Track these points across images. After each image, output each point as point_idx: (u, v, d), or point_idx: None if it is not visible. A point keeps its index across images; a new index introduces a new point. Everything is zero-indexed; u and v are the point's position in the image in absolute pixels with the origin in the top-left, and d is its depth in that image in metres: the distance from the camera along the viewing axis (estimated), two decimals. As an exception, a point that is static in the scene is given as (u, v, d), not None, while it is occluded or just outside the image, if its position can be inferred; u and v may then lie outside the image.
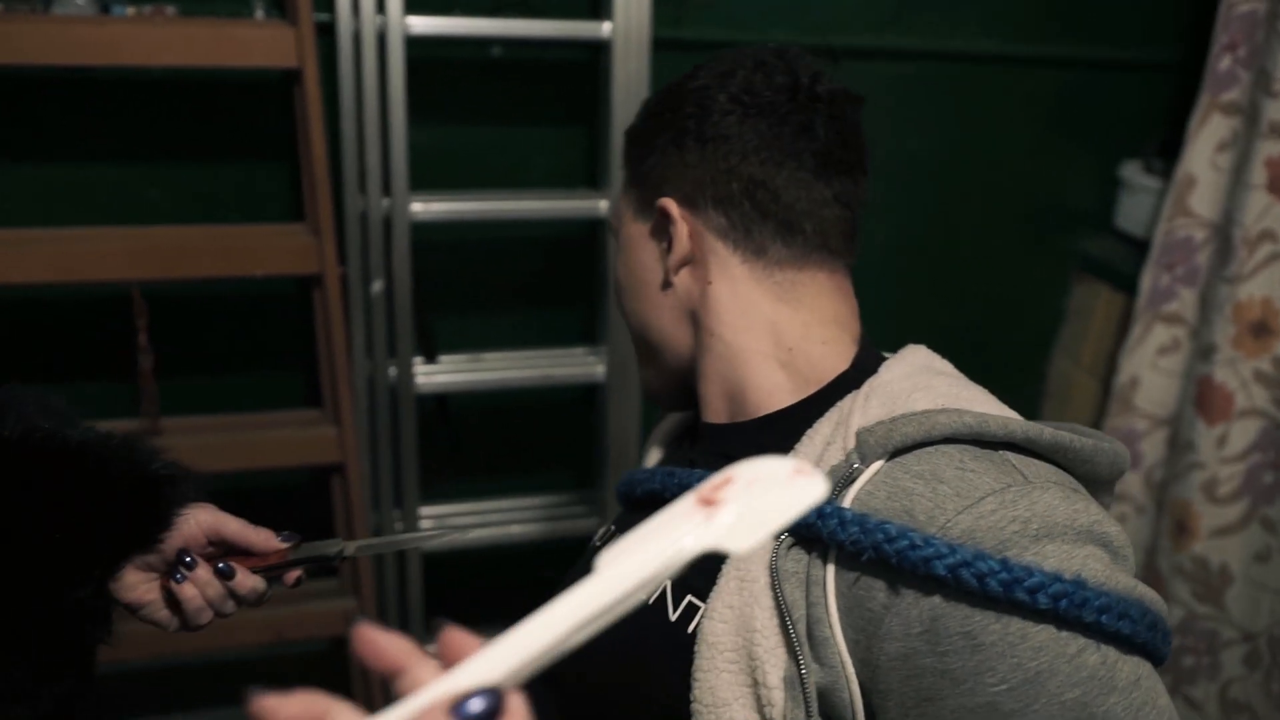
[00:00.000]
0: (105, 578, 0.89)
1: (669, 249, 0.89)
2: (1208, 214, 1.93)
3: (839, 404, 0.80)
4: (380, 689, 2.02)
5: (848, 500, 0.70)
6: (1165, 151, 2.20)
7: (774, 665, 0.68)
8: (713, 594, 0.73)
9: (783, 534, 0.71)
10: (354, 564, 1.96)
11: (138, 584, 0.91)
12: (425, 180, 1.90)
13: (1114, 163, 2.34)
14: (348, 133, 1.80)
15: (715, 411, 0.90)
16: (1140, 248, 2.17)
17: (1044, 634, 0.62)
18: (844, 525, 0.67)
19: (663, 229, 0.89)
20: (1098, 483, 0.76)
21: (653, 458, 1.09)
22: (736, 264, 0.87)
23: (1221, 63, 1.88)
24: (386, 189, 1.84)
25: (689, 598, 0.76)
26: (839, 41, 2.09)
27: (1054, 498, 0.66)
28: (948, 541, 0.63)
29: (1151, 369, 2.04)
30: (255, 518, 2.17)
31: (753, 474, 0.44)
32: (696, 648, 0.72)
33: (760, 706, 0.68)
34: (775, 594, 0.70)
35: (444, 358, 2.00)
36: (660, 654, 0.76)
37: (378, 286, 1.87)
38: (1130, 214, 2.29)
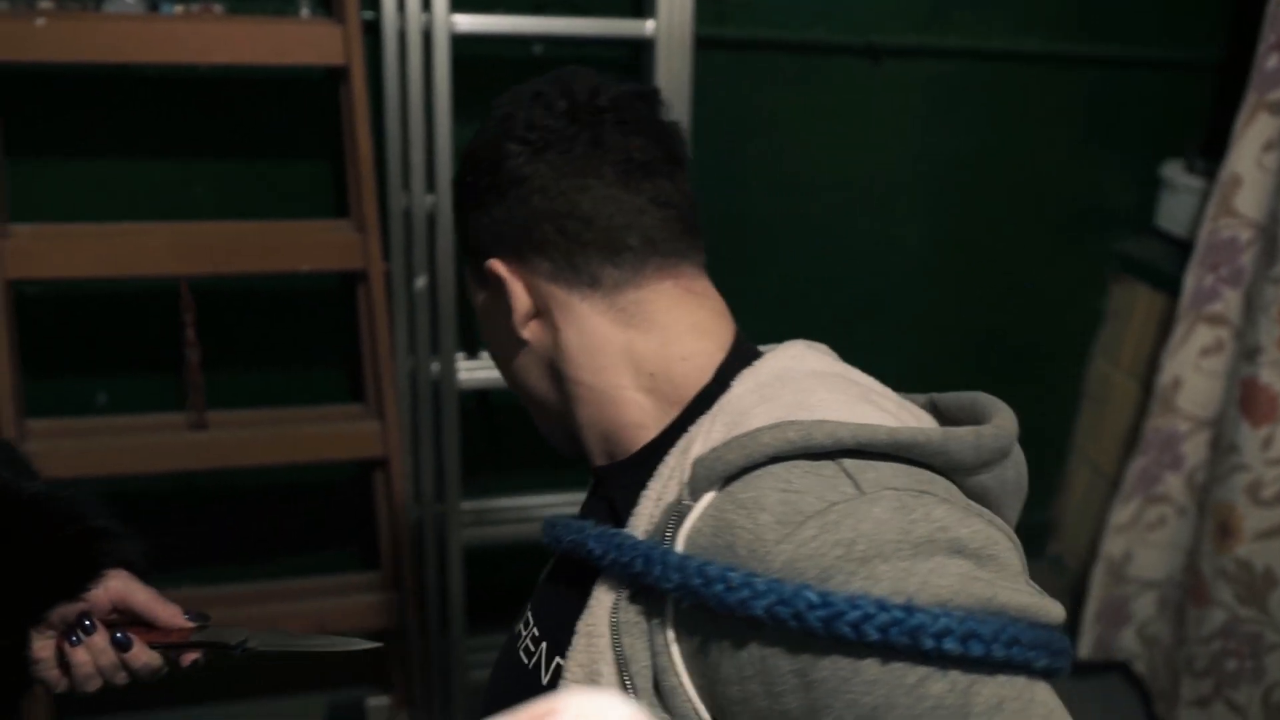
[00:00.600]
0: (31, 627, 0.89)
1: (510, 309, 0.86)
2: (1253, 214, 1.92)
3: (690, 430, 0.75)
4: (420, 681, 2.04)
5: (679, 541, 0.66)
6: (1208, 151, 2.19)
7: None
8: (569, 652, 0.72)
9: (624, 586, 0.69)
10: (396, 559, 1.98)
11: (33, 639, 0.90)
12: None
13: (1155, 162, 2.32)
14: (392, 130, 1.82)
15: (597, 455, 0.86)
16: (1181, 248, 2.16)
17: (876, 668, 0.58)
18: (666, 571, 0.63)
19: (500, 291, 0.86)
20: (963, 470, 0.71)
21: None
22: (576, 303, 0.83)
23: (1269, 61, 1.86)
24: (430, 186, 1.85)
25: (556, 659, 0.76)
26: (880, 40, 2.09)
27: (885, 510, 0.61)
28: (766, 578, 0.59)
29: (1194, 370, 2.02)
30: (298, 513, 2.21)
31: (582, 711, 0.38)
32: None
33: None
34: (615, 648, 0.68)
35: (485, 354, 2.02)
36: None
37: (421, 282, 1.88)
38: (1171, 214, 2.27)
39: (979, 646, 0.57)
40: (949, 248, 2.34)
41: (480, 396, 2.07)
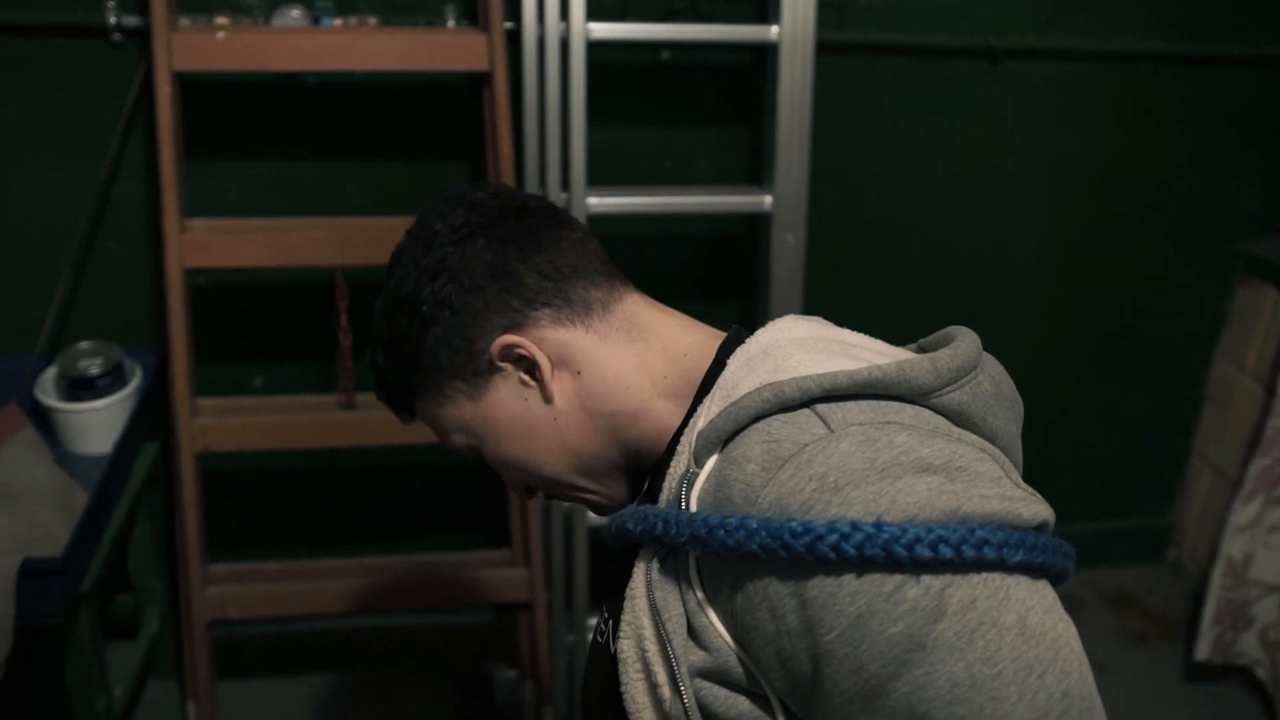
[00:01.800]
0: None
1: (532, 376, 0.89)
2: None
3: (697, 410, 0.82)
4: (547, 663, 2.15)
5: (691, 503, 0.74)
6: (1337, 150, 2.17)
7: (659, 667, 0.75)
8: (621, 617, 0.80)
9: (656, 552, 0.77)
10: (525, 537, 2.09)
11: None
12: (596, 177, 2.03)
13: (1283, 162, 2.31)
14: (530, 132, 1.94)
15: (645, 464, 0.91)
16: (1309, 248, 2.15)
17: (854, 581, 0.65)
18: (680, 529, 0.72)
19: (510, 369, 0.88)
20: (930, 393, 0.76)
21: None
22: (583, 338, 0.88)
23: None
24: (565, 184, 1.97)
25: (616, 628, 0.83)
26: (999, 43, 2.13)
27: (851, 444, 0.68)
28: (757, 518, 0.67)
29: (1320, 369, 2.01)
30: (435, 494, 2.34)
31: None
32: (618, 664, 0.80)
33: (658, 703, 0.76)
34: (651, 604, 0.76)
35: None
36: (609, 681, 0.82)
37: (554, 275, 2.00)
38: (1299, 214, 2.26)
39: (948, 550, 0.63)
40: (1069, 248, 2.36)
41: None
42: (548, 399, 0.89)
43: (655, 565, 0.77)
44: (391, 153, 2.10)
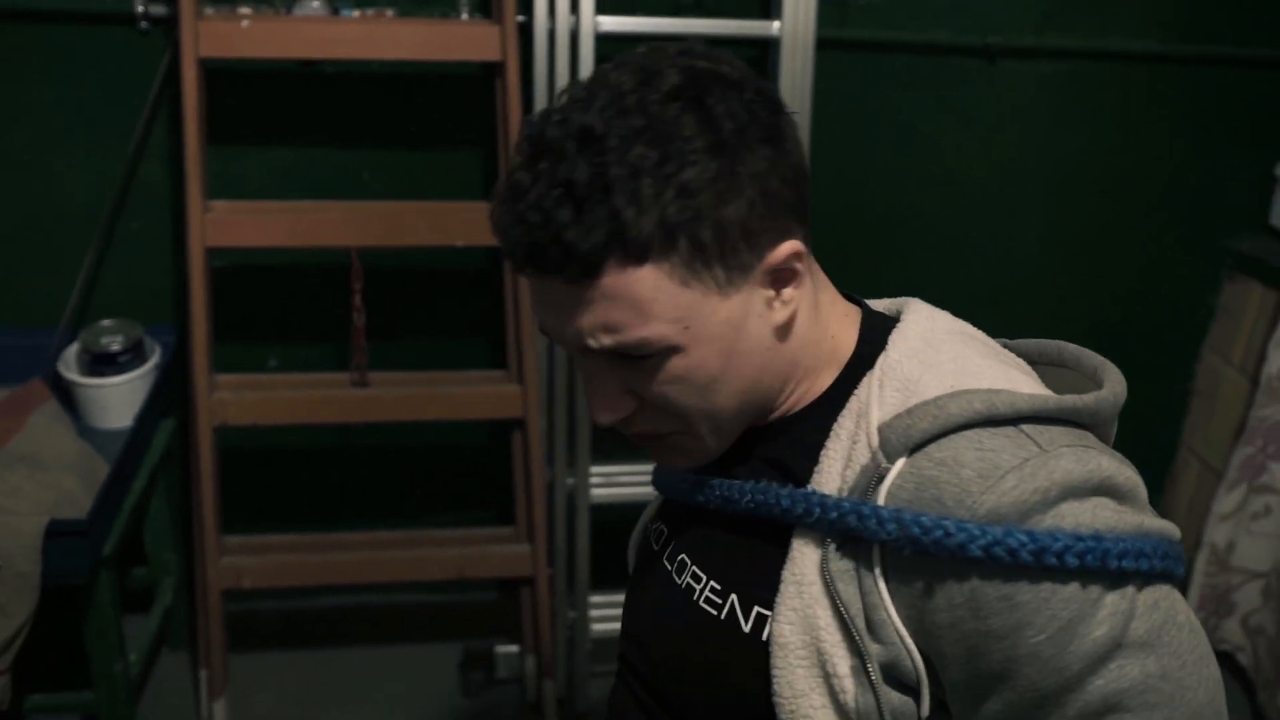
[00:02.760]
0: None
1: (777, 293, 0.79)
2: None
3: (856, 393, 0.80)
4: (549, 638, 2.21)
5: (880, 497, 0.74)
6: (1323, 150, 2.23)
7: (841, 658, 0.75)
8: (776, 601, 0.79)
9: (829, 539, 0.77)
10: (529, 514, 2.16)
11: None
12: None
13: (1269, 161, 2.37)
14: (540, 121, 2.00)
15: (757, 418, 0.85)
16: (1295, 245, 2.21)
17: (1071, 588, 0.70)
18: (882, 524, 0.72)
19: (768, 280, 0.78)
20: (1105, 424, 0.82)
21: None
22: (813, 271, 0.83)
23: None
24: (572, 172, 2.03)
25: (756, 609, 0.81)
26: (996, 41, 2.20)
27: (1069, 462, 0.72)
28: (977, 523, 0.70)
29: (1302, 360, 2.08)
30: (443, 471, 2.40)
31: None
32: (771, 649, 0.78)
33: (833, 694, 0.76)
34: (830, 594, 0.76)
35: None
36: (739, 662, 0.81)
37: (561, 260, 2.07)
38: (1286, 213, 2.32)
39: (1145, 562, 0.71)
40: (1064, 244, 2.42)
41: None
42: (778, 325, 0.79)
43: (831, 554, 0.77)
44: (406, 141, 2.17)
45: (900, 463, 0.74)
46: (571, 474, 2.20)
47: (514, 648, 2.31)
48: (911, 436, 0.74)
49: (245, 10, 1.97)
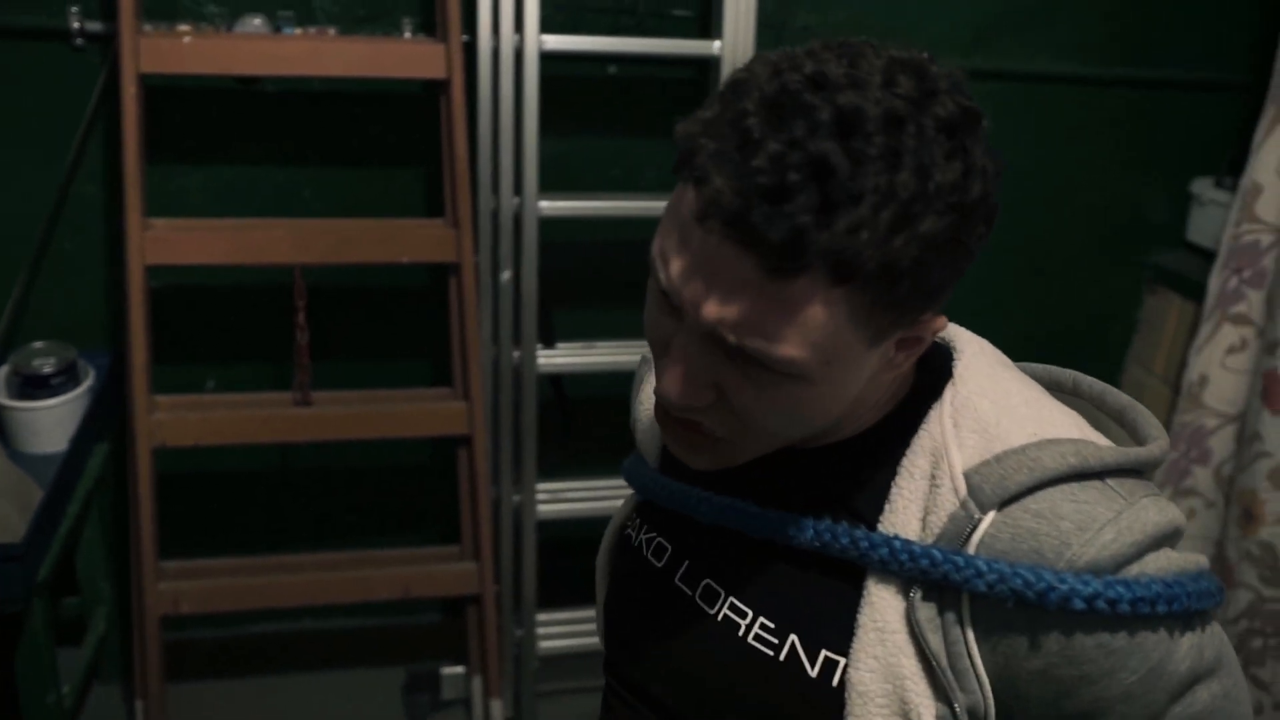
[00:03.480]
0: None
1: (897, 352, 0.75)
2: (1274, 219, 2.07)
3: (926, 427, 0.78)
4: (495, 657, 2.20)
5: (972, 547, 0.73)
6: (1234, 168, 2.34)
7: (926, 707, 0.74)
8: (854, 647, 0.76)
9: (914, 587, 0.75)
10: (476, 533, 2.15)
11: None
12: (546, 185, 2.11)
13: (1186, 179, 2.48)
14: (484, 138, 2.02)
15: (802, 440, 0.81)
16: (1211, 260, 2.31)
17: (1160, 631, 0.73)
18: (980, 575, 0.72)
19: (908, 342, 0.75)
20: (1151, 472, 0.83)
21: (656, 440, 0.95)
22: None
23: (1287, 78, 2.03)
24: (517, 189, 2.05)
25: (824, 653, 0.78)
26: (926, 63, 2.27)
27: (1151, 513, 0.74)
28: (1077, 576, 0.71)
29: (1220, 367, 2.16)
30: (389, 490, 2.38)
31: None
32: (846, 696, 0.76)
33: None
34: (918, 643, 0.75)
35: (561, 344, 2.20)
36: (804, 707, 0.79)
37: (506, 275, 2.08)
38: (1202, 228, 2.42)
39: (1210, 601, 0.76)
40: (992, 260, 2.49)
41: (553, 381, 2.25)
42: (875, 377, 0.76)
43: (917, 601, 0.75)
44: (348, 159, 2.17)
45: (992, 514, 0.74)
46: (518, 491, 2.20)
47: (459, 669, 2.29)
48: (1008, 488, 0.73)
49: (184, 28, 1.95)
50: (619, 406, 2.40)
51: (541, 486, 2.22)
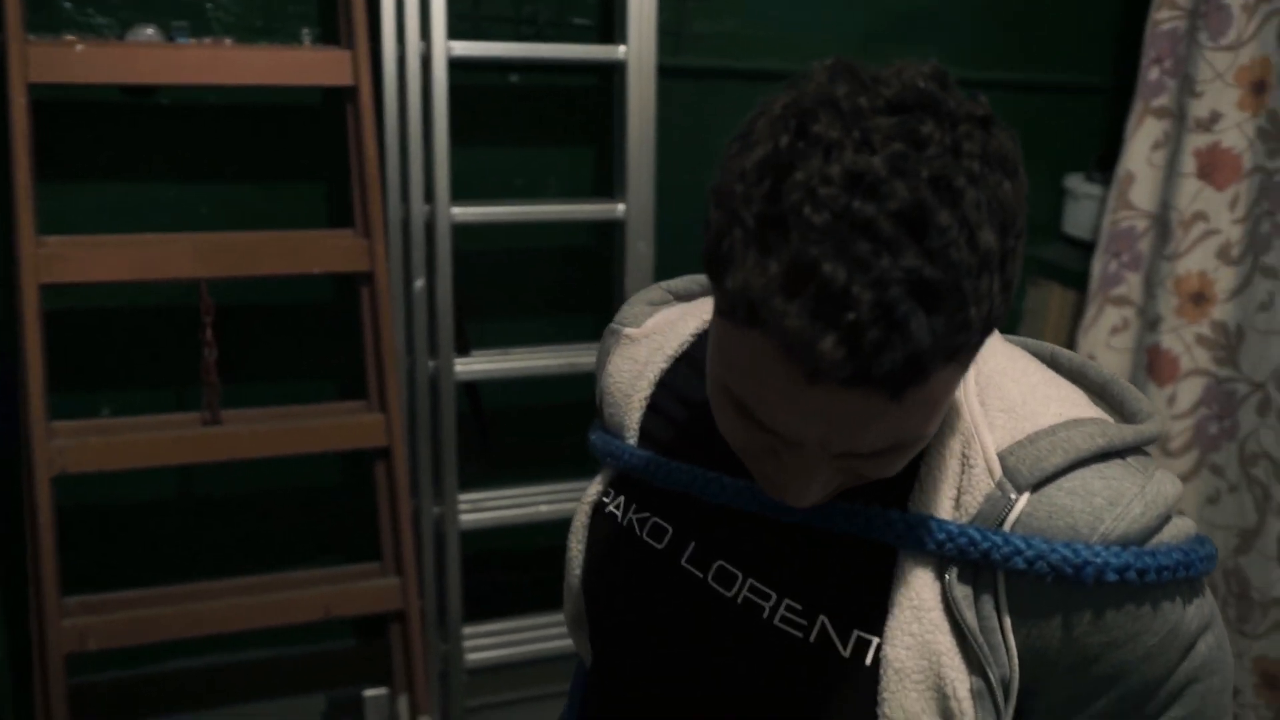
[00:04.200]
0: None
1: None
2: (1147, 205, 2.21)
3: (953, 407, 0.79)
4: (422, 673, 2.15)
5: (1008, 526, 0.75)
6: (1103, 163, 2.49)
7: (961, 682, 0.75)
8: (889, 626, 0.77)
9: (950, 566, 0.77)
10: (396, 541, 2.11)
11: None
12: (451, 195, 2.10)
13: (1059, 176, 2.63)
14: (391, 146, 2.00)
15: None
16: (1086, 249, 2.45)
17: (1176, 595, 0.78)
18: (1019, 553, 0.74)
19: None
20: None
21: (632, 414, 0.94)
22: None
23: (1151, 74, 2.18)
24: (428, 196, 2.04)
25: (856, 633, 0.79)
26: (817, 68, 2.36)
27: (1167, 485, 0.77)
28: (1108, 549, 0.74)
29: (1105, 348, 2.29)
30: (305, 510, 2.31)
31: None
32: (882, 673, 0.77)
33: (949, 714, 0.76)
34: (953, 619, 0.76)
35: (475, 353, 2.19)
36: (839, 687, 0.79)
37: (420, 284, 2.06)
38: (1076, 220, 2.57)
39: (1213, 564, 0.80)
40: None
41: (469, 388, 2.23)
42: None
43: (953, 580, 0.76)
44: (246, 174, 2.12)
45: (1027, 494, 0.76)
46: (438, 503, 2.17)
47: (383, 690, 2.23)
48: (1044, 470, 0.75)
49: (71, 37, 1.88)
50: (536, 414, 2.42)
51: (462, 497, 2.19)
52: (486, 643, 2.27)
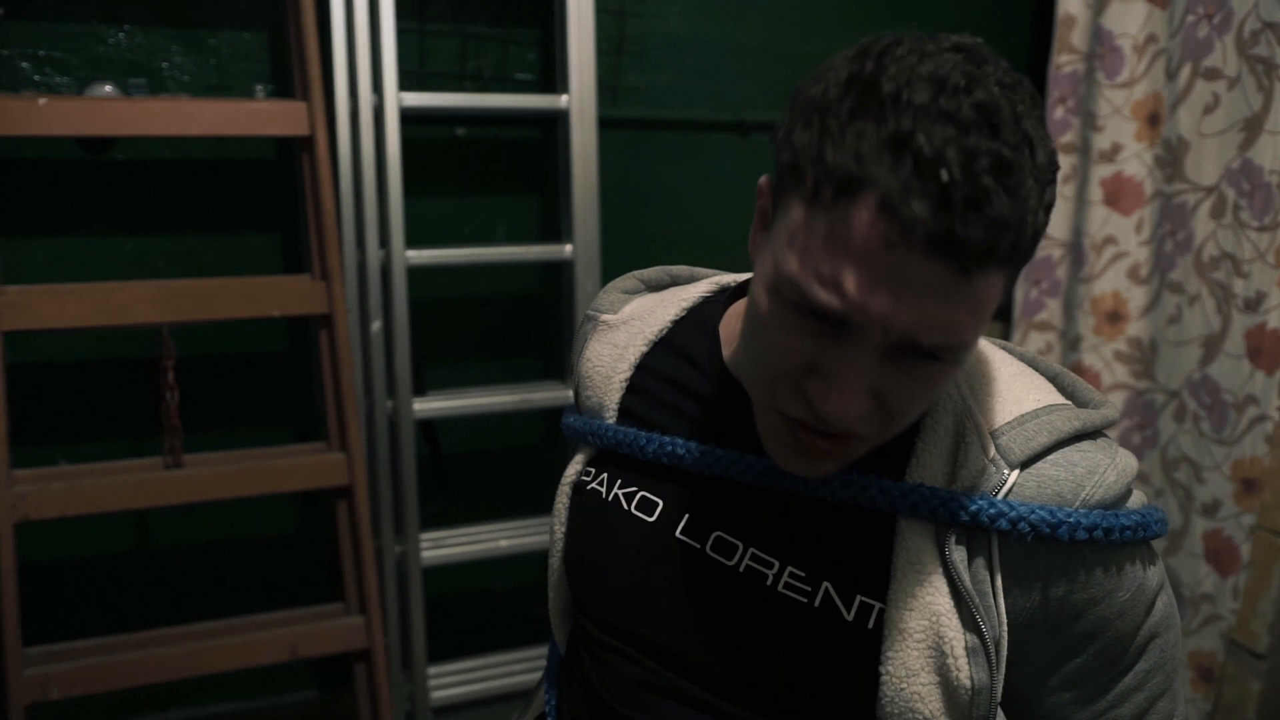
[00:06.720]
0: None
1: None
2: (1060, 235, 2.36)
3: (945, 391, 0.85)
4: (388, 712, 2.17)
5: (1002, 493, 0.82)
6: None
7: (958, 641, 0.81)
8: (892, 590, 0.82)
9: (948, 531, 0.82)
10: (360, 581, 2.14)
11: None
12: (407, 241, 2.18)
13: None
14: (346, 195, 2.08)
15: None
16: (1008, 279, 2.60)
17: (1140, 554, 0.86)
18: (1003, 515, 0.80)
19: None
20: None
21: (612, 395, 0.99)
22: None
23: (1056, 113, 2.35)
24: (383, 241, 2.11)
25: (859, 598, 0.84)
26: (748, 117, 2.50)
27: (1129, 459, 0.87)
28: (1088, 512, 0.81)
29: (1030, 369, 2.42)
30: (267, 553, 2.32)
31: None
32: (885, 634, 0.81)
33: (944, 672, 0.81)
34: (952, 581, 0.82)
35: (431, 393, 2.25)
36: (842, 649, 0.83)
37: (377, 326, 2.12)
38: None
39: (1165, 527, 0.88)
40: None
41: (425, 426, 2.28)
42: None
43: (951, 545, 0.81)
44: (201, 226, 2.17)
45: (1018, 470, 0.82)
46: (400, 541, 2.20)
47: (347, 735, 2.24)
48: (1033, 448, 0.83)
49: (32, 94, 1.93)
50: (493, 455, 2.47)
51: (424, 535, 2.23)
52: (451, 680, 2.29)
